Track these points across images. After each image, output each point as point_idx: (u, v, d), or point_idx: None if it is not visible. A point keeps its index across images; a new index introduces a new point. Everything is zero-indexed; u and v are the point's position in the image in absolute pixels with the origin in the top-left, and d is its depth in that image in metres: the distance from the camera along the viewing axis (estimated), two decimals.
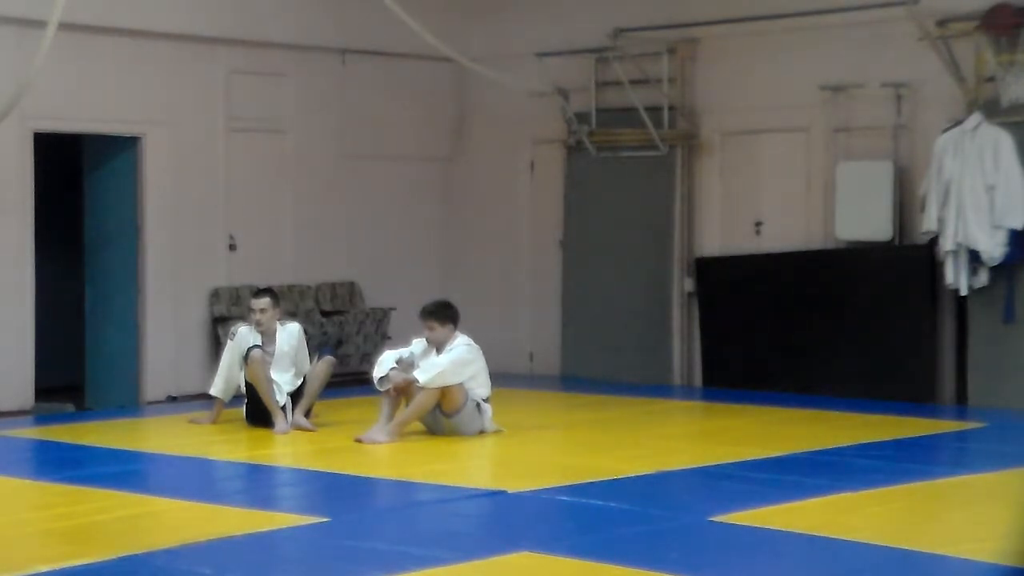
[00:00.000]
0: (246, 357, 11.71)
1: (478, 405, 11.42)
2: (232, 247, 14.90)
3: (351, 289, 15.65)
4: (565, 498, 9.03)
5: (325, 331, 14.91)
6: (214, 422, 12.02)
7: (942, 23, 13.37)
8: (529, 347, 16.16)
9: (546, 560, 7.48)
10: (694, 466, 10.32)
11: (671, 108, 15.09)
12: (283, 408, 11.72)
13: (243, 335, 11.91)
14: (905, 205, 13.77)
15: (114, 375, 14.35)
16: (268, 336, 11.90)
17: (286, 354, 11.90)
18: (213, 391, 12.13)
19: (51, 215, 14.46)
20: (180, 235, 14.50)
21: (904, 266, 13.78)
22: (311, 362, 12.01)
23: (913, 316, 13.68)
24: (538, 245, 16.12)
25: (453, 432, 11.37)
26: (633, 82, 15.03)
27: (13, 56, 13.09)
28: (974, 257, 13.07)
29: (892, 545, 7.81)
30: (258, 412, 11.76)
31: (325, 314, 15.25)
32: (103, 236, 14.44)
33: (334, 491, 9.65)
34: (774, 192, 14.70)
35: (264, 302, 11.93)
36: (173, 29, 14.31)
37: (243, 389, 11.90)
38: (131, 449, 11.23)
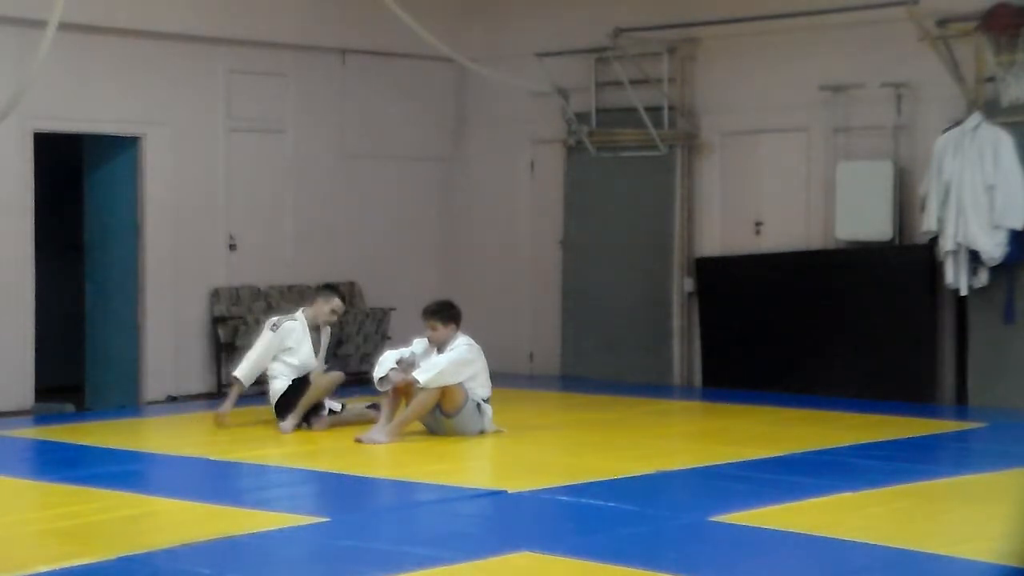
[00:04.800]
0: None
1: (478, 405, 11.42)
2: (232, 247, 14.91)
3: (351, 289, 15.64)
4: (565, 498, 9.03)
5: None
6: (228, 410, 11.97)
7: (942, 23, 13.36)
8: (529, 347, 16.16)
9: (546, 560, 7.48)
10: (694, 466, 10.32)
11: (671, 108, 15.09)
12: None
13: (287, 330, 11.93)
14: (905, 205, 13.76)
15: (114, 375, 14.35)
16: (316, 334, 12.04)
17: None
18: (238, 373, 12.01)
19: (51, 215, 14.46)
20: (180, 235, 14.50)
21: (904, 266, 13.78)
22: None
23: (913, 316, 13.68)
24: (538, 245, 16.12)
25: (453, 432, 11.38)
26: (633, 82, 15.03)
27: (13, 56, 13.09)
28: (974, 257, 13.07)
29: (892, 545, 7.81)
30: (289, 405, 11.80)
31: None
32: (103, 236, 14.44)
33: (334, 491, 9.66)
34: (774, 192, 14.70)
35: (340, 304, 12.15)
36: (173, 29, 14.31)
37: (270, 375, 11.97)
38: (131, 449, 11.22)
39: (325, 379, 11.90)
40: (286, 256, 15.33)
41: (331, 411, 11.97)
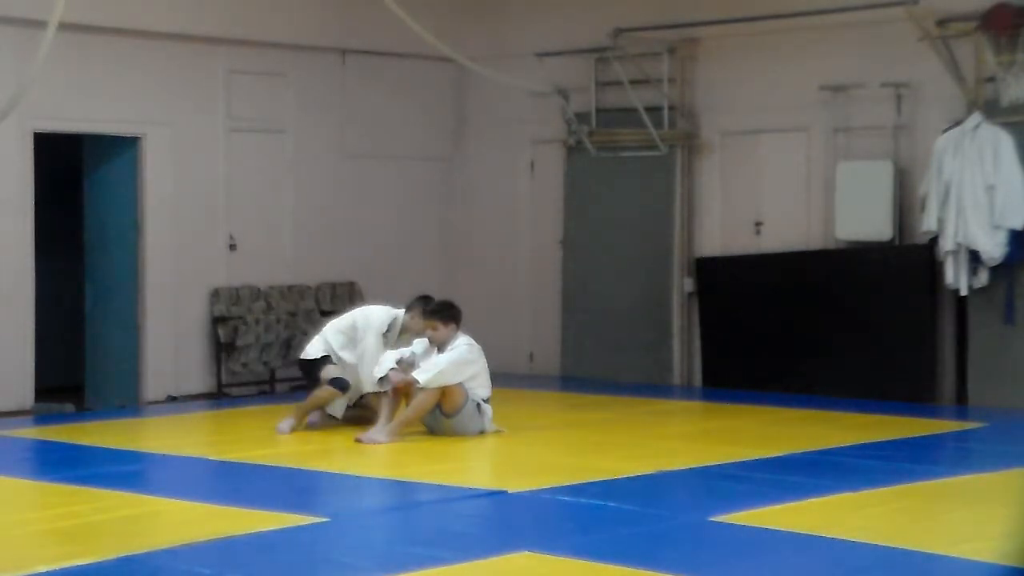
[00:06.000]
0: (333, 382, 11.74)
1: (478, 405, 11.42)
2: (232, 247, 14.91)
3: (351, 289, 15.65)
4: (565, 498, 9.03)
5: None
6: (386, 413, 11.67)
7: (942, 23, 13.37)
8: (529, 347, 16.16)
9: (546, 560, 7.48)
10: (694, 466, 10.32)
11: (671, 108, 15.09)
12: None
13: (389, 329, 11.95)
14: (905, 205, 13.77)
15: (114, 375, 14.35)
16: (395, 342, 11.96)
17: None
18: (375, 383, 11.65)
19: (51, 215, 14.46)
20: (180, 235, 14.50)
21: (904, 266, 13.78)
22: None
23: (913, 316, 13.68)
24: (538, 245, 16.12)
25: (453, 432, 11.37)
26: (633, 82, 15.03)
27: (13, 56, 13.09)
28: (974, 257, 13.07)
29: (892, 545, 7.81)
30: (311, 372, 11.89)
31: (325, 314, 15.22)
32: (103, 236, 14.45)
33: (334, 491, 9.66)
34: (774, 192, 14.70)
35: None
36: (173, 29, 14.31)
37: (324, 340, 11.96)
38: (131, 449, 11.23)
39: (326, 391, 11.84)
40: (286, 256, 15.33)
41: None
